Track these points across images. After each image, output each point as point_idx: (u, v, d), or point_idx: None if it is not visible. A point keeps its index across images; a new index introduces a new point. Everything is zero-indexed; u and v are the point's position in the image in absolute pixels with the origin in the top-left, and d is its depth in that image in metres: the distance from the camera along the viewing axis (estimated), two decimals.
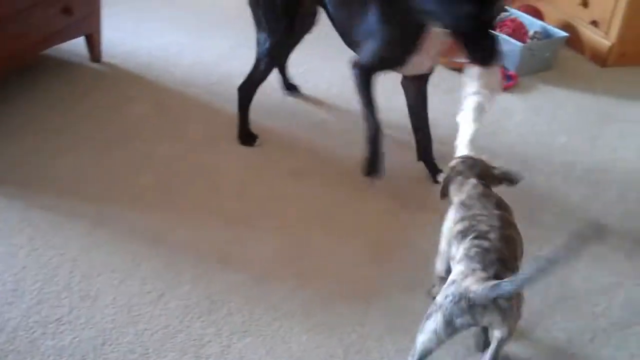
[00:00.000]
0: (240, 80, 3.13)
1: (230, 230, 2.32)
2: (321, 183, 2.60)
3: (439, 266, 1.91)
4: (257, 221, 2.38)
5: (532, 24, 3.68)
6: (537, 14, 3.84)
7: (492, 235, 1.69)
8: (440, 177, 2.43)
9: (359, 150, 2.77)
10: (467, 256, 1.65)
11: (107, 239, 2.21)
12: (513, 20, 3.60)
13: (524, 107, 3.21)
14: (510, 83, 3.35)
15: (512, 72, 3.41)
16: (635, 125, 3.16)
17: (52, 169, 2.51)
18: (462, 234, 1.73)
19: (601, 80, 3.54)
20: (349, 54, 2.51)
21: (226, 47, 3.40)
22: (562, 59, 3.66)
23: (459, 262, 1.67)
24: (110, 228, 2.27)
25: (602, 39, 3.68)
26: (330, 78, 3.27)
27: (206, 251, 2.21)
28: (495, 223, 1.72)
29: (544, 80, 3.49)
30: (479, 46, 2.18)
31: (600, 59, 3.69)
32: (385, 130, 2.52)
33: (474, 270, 1.60)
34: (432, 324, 1.63)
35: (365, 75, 2.43)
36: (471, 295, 1.56)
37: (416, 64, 2.43)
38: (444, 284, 1.68)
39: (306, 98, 3.10)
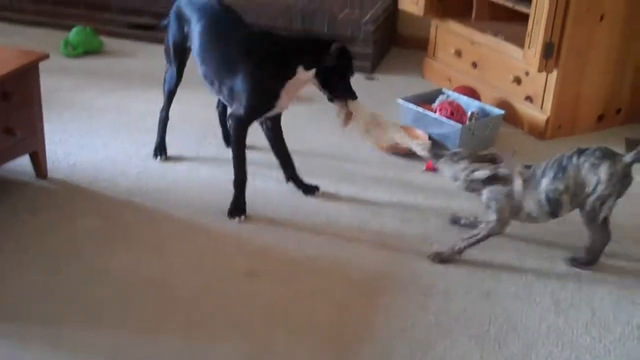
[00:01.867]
0: (187, 185, 3.16)
1: (189, 339, 2.29)
2: (276, 281, 2.60)
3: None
4: (216, 328, 2.36)
5: (470, 105, 3.78)
6: (473, 94, 3.95)
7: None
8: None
9: (309, 244, 2.80)
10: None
11: None
12: (451, 103, 3.70)
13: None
14: None
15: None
16: None
17: (1, 294, 2.46)
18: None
19: (541, 152, 3.62)
20: None
21: (172, 153, 3.42)
22: (502, 135, 3.76)
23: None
24: (70, 350, 2.22)
25: (538, 114, 3.80)
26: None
27: None
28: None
29: None
30: (341, 85, 2.85)
31: (538, 132, 3.79)
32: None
33: None
34: None
35: (242, 128, 2.92)
36: None
37: (282, 106, 2.93)
38: None
39: (251, 193, 3.12)
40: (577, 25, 3.58)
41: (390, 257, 2.76)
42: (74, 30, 4.64)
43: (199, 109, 3.91)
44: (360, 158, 3.50)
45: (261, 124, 3.10)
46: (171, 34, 3.19)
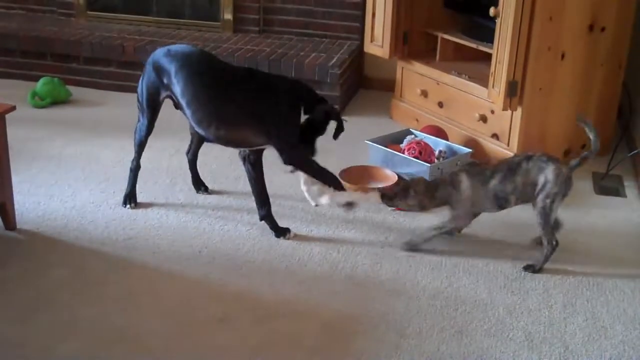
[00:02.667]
0: (157, 232, 3.15)
1: None
2: (249, 326, 2.58)
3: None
4: None
5: (437, 144, 3.82)
6: (440, 133, 4.00)
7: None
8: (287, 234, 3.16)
9: (282, 287, 2.79)
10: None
11: None
12: (418, 143, 3.73)
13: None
14: None
15: None
16: None
17: None
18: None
19: None
20: None
21: (142, 201, 3.41)
22: None
23: None
24: None
25: (505, 150, 3.84)
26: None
27: None
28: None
29: None
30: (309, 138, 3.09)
31: None
32: None
33: None
34: None
35: (299, 154, 3.05)
36: None
37: None
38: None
39: (222, 238, 3.11)
40: (539, 63, 3.64)
41: (363, 298, 2.76)
42: (41, 80, 4.65)
43: (167, 156, 3.91)
44: None
45: (244, 158, 3.18)
46: (145, 86, 3.19)
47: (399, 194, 3.05)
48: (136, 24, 5.30)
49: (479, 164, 3.06)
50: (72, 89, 4.77)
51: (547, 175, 2.87)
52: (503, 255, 3.05)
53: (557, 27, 3.62)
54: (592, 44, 3.77)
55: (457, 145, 3.84)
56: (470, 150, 3.79)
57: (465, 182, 2.95)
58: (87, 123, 4.40)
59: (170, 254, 3.01)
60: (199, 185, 3.55)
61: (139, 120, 3.29)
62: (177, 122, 4.32)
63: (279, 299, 2.74)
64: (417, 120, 4.35)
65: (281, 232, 3.16)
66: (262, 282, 2.85)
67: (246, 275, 2.89)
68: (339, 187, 3.06)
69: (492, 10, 3.62)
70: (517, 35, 3.51)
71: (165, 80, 3.11)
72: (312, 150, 3.12)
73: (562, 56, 3.70)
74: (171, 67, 3.07)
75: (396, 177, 3.59)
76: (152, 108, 3.22)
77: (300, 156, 3.06)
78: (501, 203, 2.96)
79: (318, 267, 2.96)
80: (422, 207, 3.06)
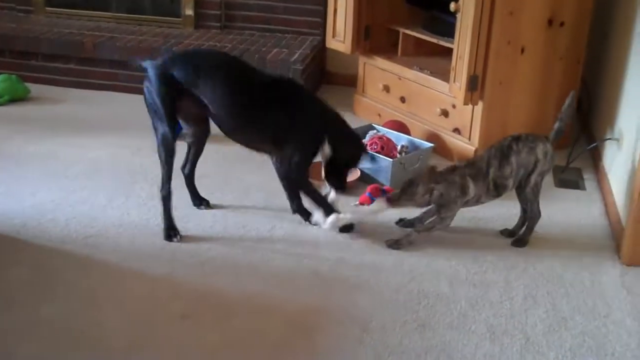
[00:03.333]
0: (118, 230, 3.12)
1: None
2: (212, 323, 2.57)
3: None
4: None
5: (399, 139, 3.84)
6: (402, 128, 4.01)
7: None
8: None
9: (245, 284, 2.78)
10: None
11: None
12: (381, 138, 3.74)
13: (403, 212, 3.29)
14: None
15: (386, 186, 3.52)
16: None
17: None
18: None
19: None
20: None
21: (102, 199, 3.38)
22: None
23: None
24: None
25: (466, 144, 3.87)
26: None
27: None
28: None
29: None
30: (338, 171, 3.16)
31: None
32: None
33: None
34: None
35: (301, 176, 3.10)
36: None
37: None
38: None
39: (184, 235, 3.09)
40: (499, 58, 3.67)
41: (327, 293, 2.76)
42: None
43: (129, 154, 3.87)
44: None
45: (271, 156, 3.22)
46: (159, 94, 2.97)
47: (404, 194, 3.00)
48: (96, 20, 5.23)
49: (473, 163, 3.04)
50: (30, 86, 4.71)
51: (537, 154, 3.00)
52: (464, 250, 3.07)
53: (517, 21, 3.65)
54: (552, 39, 3.80)
55: (419, 140, 3.86)
56: (433, 144, 3.81)
57: (472, 187, 2.97)
58: (47, 121, 4.34)
59: (131, 251, 2.98)
60: (199, 200, 3.37)
61: (158, 133, 3.04)
62: (138, 119, 4.29)
63: (242, 296, 2.73)
64: (379, 115, 4.36)
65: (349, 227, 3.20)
66: (225, 278, 2.83)
67: (209, 272, 2.88)
68: (330, 213, 3.10)
69: (452, 6, 3.64)
70: (478, 30, 3.54)
71: (186, 84, 2.98)
72: (341, 185, 3.18)
73: (522, 50, 3.73)
74: (193, 70, 2.99)
75: (359, 172, 3.60)
76: (170, 111, 3.00)
77: (299, 175, 3.09)
78: (499, 190, 3.01)
79: (282, 263, 2.95)
80: (420, 206, 3.08)
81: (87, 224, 3.18)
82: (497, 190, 3.01)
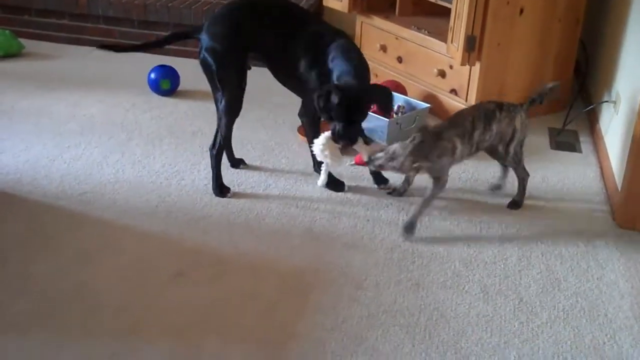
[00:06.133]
0: (113, 187, 3.11)
1: (117, 346, 2.25)
2: (206, 281, 2.57)
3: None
4: (144, 332, 2.32)
5: (396, 99, 3.81)
6: (399, 88, 3.99)
7: None
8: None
9: (239, 242, 2.78)
10: None
11: None
12: None
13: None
14: None
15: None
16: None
17: None
18: None
19: None
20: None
21: (97, 156, 3.36)
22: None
23: None
24: None
25: (463, 106, 3.84)
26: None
27: None
28: None
29: None
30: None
31: None
32: None
33: None
34: None
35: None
36: None
37: None
38: None
39: (179, 193, 3.08)
40: (497, 18, 3.63)
41: (321, 252, 2.76)
42: None
43: (123, 110, 3.85)
44: (289, 153, 3.49)
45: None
46: (228, 55, 2.96)
47: (385, 157, 2.82)
48: None
49: (460, 121, 2.92)
50: (24, 41, 4.66)
51: (516, 125, 2.97)
52: (459, 210, 3.07)
53: None
54: (550, 0, 3.77)
55: (415, 100, 3.84)
56: (429, 105, 3.79)
57: (459, 147, 2.87)
58: (40, 76, 4.30)
59: (126, 208, 2.98)
60: (237, 161, 3.36)
61: (222, 99, 3.00)
62: (133, 76, 4.26)
63: (236, 254, 2.73)
64: (376, 75, 4.32)
65: (339, 186, 3.19)
66: (219, 237, 2.83)
67: (203, 230, 2.87)
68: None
69: None
70: None
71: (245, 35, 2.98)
72: (350, 136, 2.88)
73: (521, 11, 3.69)
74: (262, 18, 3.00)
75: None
76: (241, 74, 3.00)
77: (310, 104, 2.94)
78: (475, 151, 2.97)
79: (276, 221, 2.95)
80: (402, 172, 2.98)
81: (82, 180, 3.16)
82: (475, 151, 2.97)
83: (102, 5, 4.70)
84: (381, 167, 2.87)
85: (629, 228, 2.99)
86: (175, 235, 2.84)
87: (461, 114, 2.97)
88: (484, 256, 2.77)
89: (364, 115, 2.90)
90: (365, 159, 2.91)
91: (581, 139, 3.79)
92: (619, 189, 3.08)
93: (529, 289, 2.59)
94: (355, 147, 2.96)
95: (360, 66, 2.92)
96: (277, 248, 2.78)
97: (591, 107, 3.88)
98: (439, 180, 2.90)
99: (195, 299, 2.49)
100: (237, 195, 3.11)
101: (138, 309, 2.43)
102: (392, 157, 2.80)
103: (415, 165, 2.80)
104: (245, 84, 3.01)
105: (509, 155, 3.01)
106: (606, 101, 3.62)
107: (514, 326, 2.40)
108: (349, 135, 2.86)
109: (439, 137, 2.84)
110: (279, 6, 3.05)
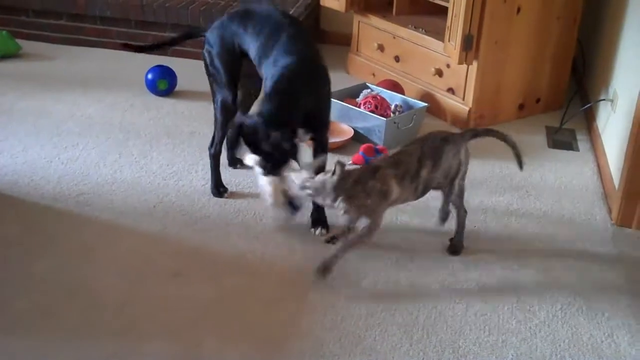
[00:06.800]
0: (110, 188, 3.11)
1: (116, 346, 2.25)
2: (204, 281, 2.58)
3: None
4: (142, 331, 2.32)
5: (393, 98, 3.82)
6: (396, 88, 3.99)
7: None
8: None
9: (237, 242, 2.78)
10: None
11: None
12: (375, 97, 3.72)
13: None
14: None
15: (380, 146, 3.51)
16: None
17: None
18: None
19: None
20: None
21: (95, 156, 3.36)
22: (426, 126, 3.79)
23: None
24: None
25: (460, 104, 3.85)
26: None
27: None
28: None
29: None
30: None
31: (461, 122, 3.85)
32: None
33: None
34: None
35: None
36: None
37: None
38: None
39: (177, 193, 3.08)
40: (494, 17, 3.64)
41: (319, 251, 2.76)
42: None
43: (121, 111, 3.85)
44: None
45: None
46: (220, 57, 2.96)
47: (319, 194, 2.54)
48: None
49: (399, 160, 2.59)
50: (21, 42, 4.66)
51: (461, 158, 2.67)
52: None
53: None
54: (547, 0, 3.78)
55: (413, 100, 3.84)
56: (426, 104, 3.79)
57: (395, 190, 2.55)
58: (38, 77, 4.29)
59: (124, 209, 2.98)
60: (236, 160, 3.29)
61: (217, 100, 3.01)
62: (130, 76, 4.26)
63: (234, 254, 2.73)
64: (373, 74, 4.33)
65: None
66: (217, 237, 2.83)
67: (201, 230, 2.88)
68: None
69: None
70: None
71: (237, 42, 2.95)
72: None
73: (518, 10, 3.69)
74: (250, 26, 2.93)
75: (352, 131, 3.59)
76: (233, 74, 2.98)
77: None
78: (425, 192, 2.67)
79: (274, 221, 2.95)
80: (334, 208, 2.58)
81: (79, 181, 3.16)
82: (424, 192, 2.66)
83: (99, 6, 4.70)
84: (311, 196, 2.57)
85: (626, 226, 3.00)
86: (173, 235, 2.84)
87: (406, 151, 2.62)
88: (482, 255, 2.77)
89: (271, 147, 2.57)
90: (298, 183, 2.58)
91: (578, 137, 3.80)
92: (617, 187, 3.09)
93: (527, 288, 2.59)
94: (286, 173, 2.69)
95: (279, 83, 2.67)
96: (274, 248, 2.78)
97: (588, 105, 3.89)
98: (368, 224, 2.56)
99: (193, 298, 2.49)
100: (234, 195, 3.11)
101: (137, 309, 2.43)
102: (318, 190, 2.51)
103: (338, 202, 2.49)
104: (239, 88, 3.00)
105: (453, 193, 2.71)
106: (603, 99, 3.63)
107: (512, 325, 2.41)
108: (265, 167, 2.63)
109: (372, 176, 2.54)
110: (264, 14, 2.96)
